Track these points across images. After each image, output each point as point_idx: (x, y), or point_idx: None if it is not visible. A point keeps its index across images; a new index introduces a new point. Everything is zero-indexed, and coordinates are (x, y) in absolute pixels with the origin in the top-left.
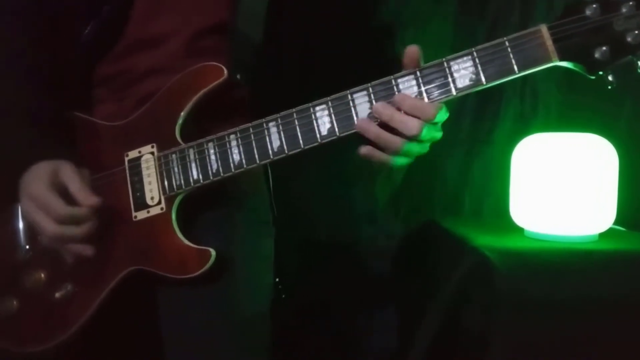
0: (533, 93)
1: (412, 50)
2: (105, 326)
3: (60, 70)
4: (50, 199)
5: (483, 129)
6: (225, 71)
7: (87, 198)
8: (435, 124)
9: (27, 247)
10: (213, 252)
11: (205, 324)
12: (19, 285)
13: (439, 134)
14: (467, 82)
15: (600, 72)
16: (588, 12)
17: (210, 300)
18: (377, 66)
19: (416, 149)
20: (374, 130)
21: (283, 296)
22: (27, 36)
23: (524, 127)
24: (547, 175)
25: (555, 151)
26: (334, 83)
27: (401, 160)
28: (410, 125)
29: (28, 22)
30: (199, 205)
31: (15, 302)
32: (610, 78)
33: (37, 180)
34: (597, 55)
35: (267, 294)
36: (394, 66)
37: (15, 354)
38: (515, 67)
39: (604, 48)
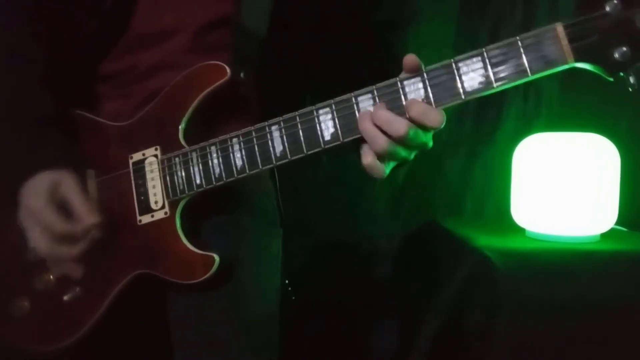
0: (536, 93)
1: (410, 60)
2: (115, 328)
3: (62, 67)
4: (48, 215)
5: (485, 130)
6: (228, 70)
7: (87, 216)
8: (428, 130)
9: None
10: (217, 258)
11: (214, 326)
12: (30, 286)
13: (429, 142)
14: (476, 85)
15: (621, 74)
16: (608, 8)
17: (218, 303)
18: (381, 63)
19: (402, 153)
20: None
21: (293, 298)
22: (26, 32)
23: (527, 127)
24: (548, 175)
25: (557, 151)
26: (338, 80)
27: (387, 166)
28: (397, 126)
29: (27, 18)
30: (205, 208)
31: (27, 303)
32: (631, 80)
33: (37, 193)
34: (616, 55)
35: (275, 295)
36: (397, 64)
37: (27, 353)
38: (529, 70)
39: (624, 48)
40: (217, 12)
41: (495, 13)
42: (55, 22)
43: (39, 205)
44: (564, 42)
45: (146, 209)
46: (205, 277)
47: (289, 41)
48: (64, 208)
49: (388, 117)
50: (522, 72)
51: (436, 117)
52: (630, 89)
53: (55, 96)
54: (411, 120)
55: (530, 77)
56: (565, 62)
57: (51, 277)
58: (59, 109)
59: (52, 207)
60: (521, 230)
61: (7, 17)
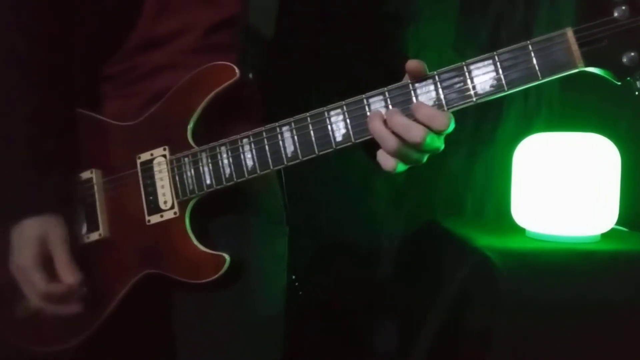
0: (537, 92)
1: (414, 66)
2: (122, 328)
3: (64, 67)
4: (33, 275)
5: (485, 130)
6: (237, 71)
7: (68, 276)
8: (441, 134)
9: None
10: (227, 258)
11: (220, 326)
12: None
13: (441, 146)
14: (487, 88)
15: (628, 78)
16: (616, 14)
17: (225, 303)
18: (386, 62)
19: (414, 156)
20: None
21: (300, 293)
22: (26, 32)
23: (527, 127)
24: (548, 175)
25: (557, 151)
26: (344, 79)
27: (400, 166)
28: (414, 133)
29: (27, 18)
30: (213, 208)
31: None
32: (638, 84)
33: (25, 248)
34: (624, 60)
35: (281, 295)
36: (402, 60)
37: (34, 353)
38: (539, 73)
39: (632, 54)
40: (224, 13)
41: (495, 13)
42: (56, 22)
43: (26, 264)
44: (574, 47)
45: (155, 209)
46: (216, 276)
47: (295, 41)
48: (50, 263)
49: (406, 123)
50: (533, 76)
51: (444, 121)
52: (637, 93)
53: (56, 96)
54: (418, 123)
55: (541, 81)
56: (576, 67)
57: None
58: (60, 108)
59: (38, 265)
60: (521, 230)
61: (7, 17)
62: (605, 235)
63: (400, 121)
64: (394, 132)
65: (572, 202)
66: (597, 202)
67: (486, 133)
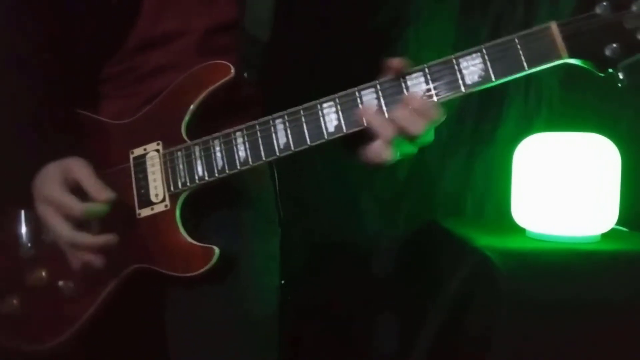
0: (537, 92)
1: (396, 64)
2: (111, 325)
3: (64, 67)
4: (64, 198)
5: (485, 130)
6: (233, 69)
7: (100, 193)
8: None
9: (29, 245)
10: (217, 250)
11: (212, 323)
12: (20, 284)
13: (432, 138)
14: (476, 79)
15: (610, 70)
16: (598, 10)
17: (217, 300)
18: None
19: (406, 148)
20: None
21: (289, 297)
22: (27, 33)
23: (527, 127)
24: (548, 175)
25: (557, 151)
26: (341, 81)
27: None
28: (416, 124)
29: (28, 19)
30: (205, 204)
31: (15, 301)
32: (620, 76)
33: (49, 181)
34: (607, 52)
35: (274, 294)
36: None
37: (20, 352)
38: (525, 64)
39: (614, 45)
40: (223, 15)
41: (496, 13)
42: (56, 22)
43: (54, 192)
44: (558, 39)
45: (146, 202)
46: (205, 268)
47: (293, 44)
48: (78, 192)
49: (408, 116)
50: (519, 66)
51: (435, 110)
52: (620, 85)
53: (56, 96)
54: (413, 112)
55: (527, 71)
56: (560, 57)
57: (43, 273)
58: (61, 108)
59: (67, 190)
60: (521, 230)
61: (7, 17)
62: (605, 235)
63: (403, 114)
64: (395, 124)
65: (572, 202)
66: (597, 202)
67: (486, 133)
